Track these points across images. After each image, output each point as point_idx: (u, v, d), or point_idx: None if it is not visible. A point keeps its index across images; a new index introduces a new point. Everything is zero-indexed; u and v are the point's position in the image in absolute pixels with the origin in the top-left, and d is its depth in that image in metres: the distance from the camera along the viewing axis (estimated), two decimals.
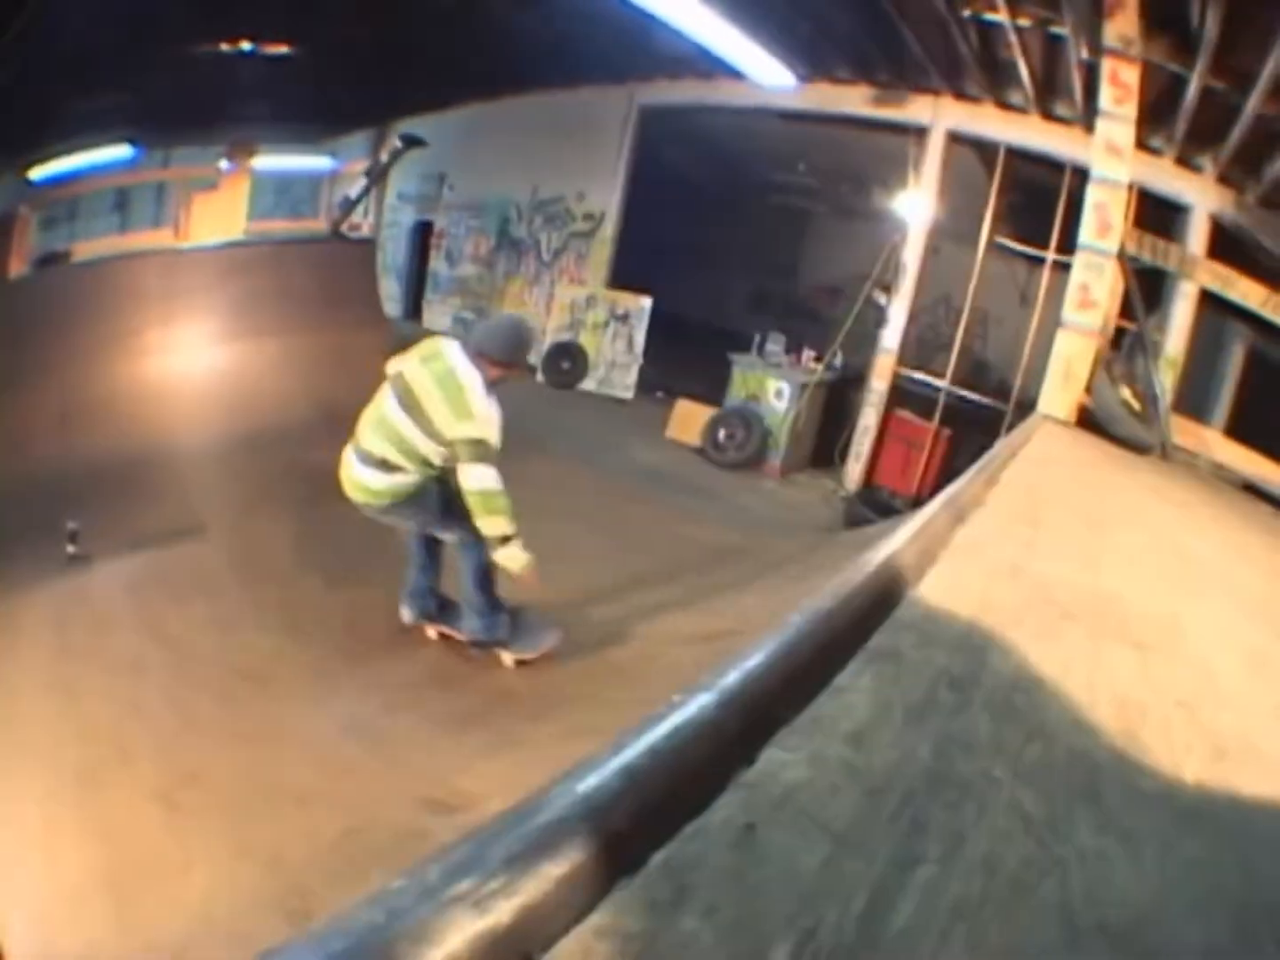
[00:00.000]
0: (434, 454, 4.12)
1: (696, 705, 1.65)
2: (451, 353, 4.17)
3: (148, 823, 3.35)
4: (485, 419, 3.98)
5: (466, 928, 1.08)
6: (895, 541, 2.97)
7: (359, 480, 4.26)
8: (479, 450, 3.96)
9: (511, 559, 4.09)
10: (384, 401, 4.26)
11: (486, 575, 4.40)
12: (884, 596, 2.48)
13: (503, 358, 4.17)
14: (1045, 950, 1.40)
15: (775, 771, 1.60)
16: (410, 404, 4.10)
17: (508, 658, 4.54)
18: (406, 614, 4.73)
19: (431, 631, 4.78)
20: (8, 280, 9.39)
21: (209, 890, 2.99)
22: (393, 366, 4.35)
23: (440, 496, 4.35)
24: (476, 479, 3.97)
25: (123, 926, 2.86)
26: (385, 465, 4.17)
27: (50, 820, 3.31)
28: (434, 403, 4.03)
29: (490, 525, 4.02)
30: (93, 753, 3.69)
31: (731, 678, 1.78)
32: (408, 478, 4.19)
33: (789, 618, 2.17)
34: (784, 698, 1.81)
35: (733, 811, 1.48)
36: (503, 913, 1.12)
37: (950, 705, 2.05)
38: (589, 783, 1.39)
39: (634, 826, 1.36)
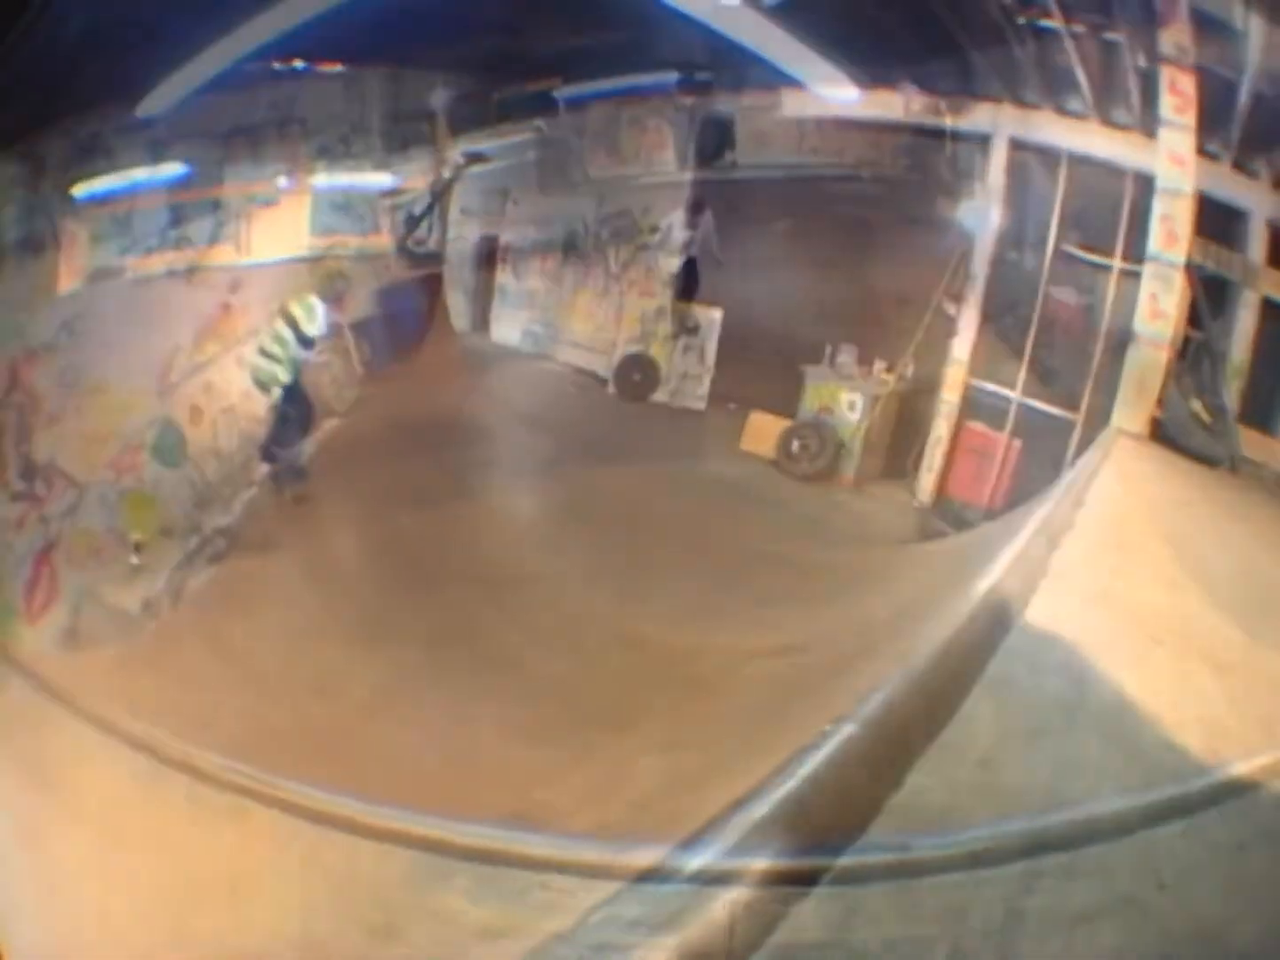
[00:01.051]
0: (293, 341, 6.55)
1: (845, 736, 1.88)
2: (312, 297, 6.73)
3: (214, 835, 3.40)
4: (322, 318, 6.59)
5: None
6: (998, 570, 3.17)
7: (255, 366, 6.58)
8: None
9: None
10: (274, 321, 6.65)
11: (296, 436, 6.53)
12: (994, 625, 2.66)
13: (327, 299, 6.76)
14: (1150, 953, 1.62)
15: (919, 795, 1.82)
16: (286, 315, 6.61)
17: (288, 492, 6.34)
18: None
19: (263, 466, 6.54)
20: (57, 295, 9.58)
21: (279, 904, 3.06)
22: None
23: (293, 385, 6.53)
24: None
25: (186, 941, 2.89)
26: (271, 357, 6.49)
27: (112, 833, 3.37)
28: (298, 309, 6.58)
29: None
30: (156, 764, 3.71)
31: (871, 708, 2.01)
32: (282, 366, 6.44)
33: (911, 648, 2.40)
34: (919, 726, 2.04)
35: (887, 833, 1.67)
36: (701, 941, 1.28)
37: (1061, 729, 2.26)
38: (761, 811, 1.58)
39: (805, 850, 1.54)
